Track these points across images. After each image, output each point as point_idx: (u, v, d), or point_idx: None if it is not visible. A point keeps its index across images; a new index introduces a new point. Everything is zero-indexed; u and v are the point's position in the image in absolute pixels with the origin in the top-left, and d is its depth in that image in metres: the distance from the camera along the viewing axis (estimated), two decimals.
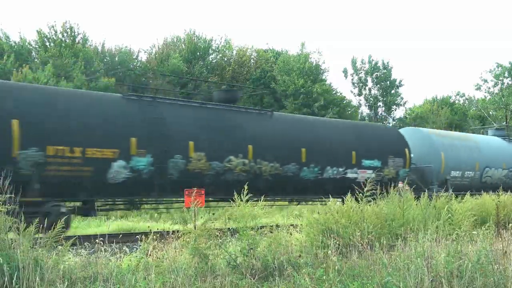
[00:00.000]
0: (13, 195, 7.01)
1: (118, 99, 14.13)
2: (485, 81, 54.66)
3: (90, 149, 12.45)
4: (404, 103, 55.03)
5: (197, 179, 14.04)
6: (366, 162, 18.39)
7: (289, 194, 17.22)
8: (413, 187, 14.31)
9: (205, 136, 14.58)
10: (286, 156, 16.14)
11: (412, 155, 20.06)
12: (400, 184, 18.65)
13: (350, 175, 17.89)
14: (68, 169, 12.23)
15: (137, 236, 9.81)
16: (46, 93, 13.40)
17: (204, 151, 14.32)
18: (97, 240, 7.07)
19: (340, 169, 17.58)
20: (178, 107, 15.21)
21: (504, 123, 53.05)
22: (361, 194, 8.80)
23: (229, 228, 8.47)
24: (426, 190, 14.45)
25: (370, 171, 18.38)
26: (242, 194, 7.93)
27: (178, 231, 7.73)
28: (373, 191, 8.81)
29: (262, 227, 7.89)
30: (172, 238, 7.61)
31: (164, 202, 15.91)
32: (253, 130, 15.95)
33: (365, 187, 8.69)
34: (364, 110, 53.69)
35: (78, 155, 12.30)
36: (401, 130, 22.30)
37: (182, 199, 14.19)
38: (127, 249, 8.14)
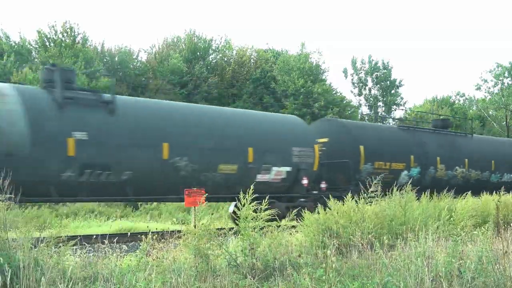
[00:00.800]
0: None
1: (397, 130, 21.87)
2: (485, 81, 54.63)
3: (394, 163, 19.52)
4: (404, 103, 54.95)
5: (438, 183, 19.76)
6: None
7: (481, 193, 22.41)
8: None
9: (443, 153, 21.80)
10: (483, 166, 23.64)
11: None
12: None
13: None
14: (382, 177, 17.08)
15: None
16: (374, 129, 21.34)
17: (444, 164, 21.61)
18: (93, 239, 7.18)
19: (511, 175, 25.07)
20: (426, 133, 22.63)
21: (504, 123, 53.08)
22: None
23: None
24: None
25: None
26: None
27: (178, 231, 7.74)
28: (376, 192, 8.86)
29: None
30: (172, 238, 7.61)
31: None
32: (466, 148, 23.37)
33: None
34: (364, 110, 53.69)
35: (387, 167, 19.16)
36: None
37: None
38: (125, 247, 8.15)
